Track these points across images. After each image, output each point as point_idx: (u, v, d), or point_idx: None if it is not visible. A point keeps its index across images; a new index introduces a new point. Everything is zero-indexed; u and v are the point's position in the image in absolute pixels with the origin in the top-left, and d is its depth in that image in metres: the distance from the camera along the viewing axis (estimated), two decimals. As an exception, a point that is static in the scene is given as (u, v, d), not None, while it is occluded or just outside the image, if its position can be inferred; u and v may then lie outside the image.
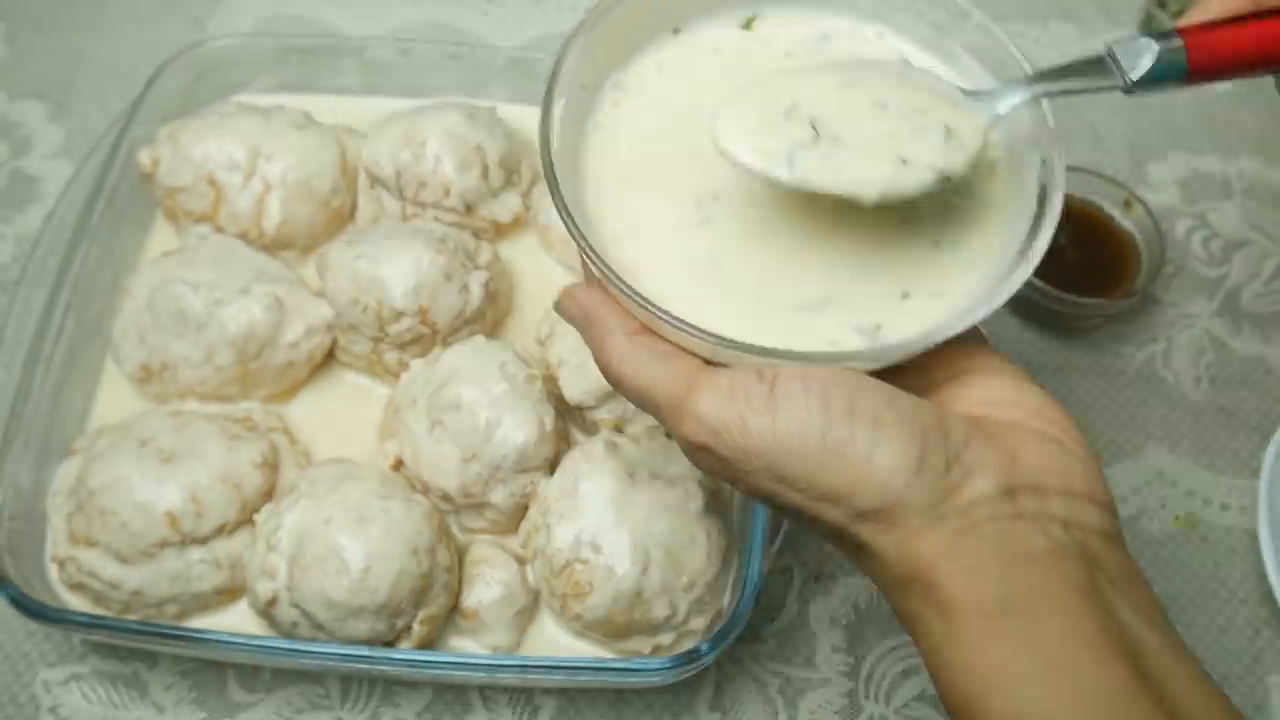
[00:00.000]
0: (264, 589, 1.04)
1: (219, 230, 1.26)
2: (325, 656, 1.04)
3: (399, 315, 1.17)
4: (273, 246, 1.27)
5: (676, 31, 0.85)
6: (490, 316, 1.23)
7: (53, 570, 1.12)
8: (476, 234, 1.28)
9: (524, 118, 1.37)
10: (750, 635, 1.19)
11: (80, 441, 1.16)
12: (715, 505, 1.08)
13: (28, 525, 1.12)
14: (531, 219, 1.31)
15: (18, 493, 1.11)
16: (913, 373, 0.75)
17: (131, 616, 1.09)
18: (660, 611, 1.05)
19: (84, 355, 1.22)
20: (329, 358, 1.23)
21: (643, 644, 1.07)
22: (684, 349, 0.73)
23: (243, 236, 1.26)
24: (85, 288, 1.21)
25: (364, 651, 1.03)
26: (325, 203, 1.28)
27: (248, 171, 1.26)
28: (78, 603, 1.11)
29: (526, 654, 1.10)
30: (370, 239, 1.19)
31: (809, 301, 0.76)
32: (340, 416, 1.23)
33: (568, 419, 1.18)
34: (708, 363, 0.73)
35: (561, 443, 1.14)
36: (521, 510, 1.12)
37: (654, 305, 0.71)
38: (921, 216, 0.79)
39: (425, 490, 1.12)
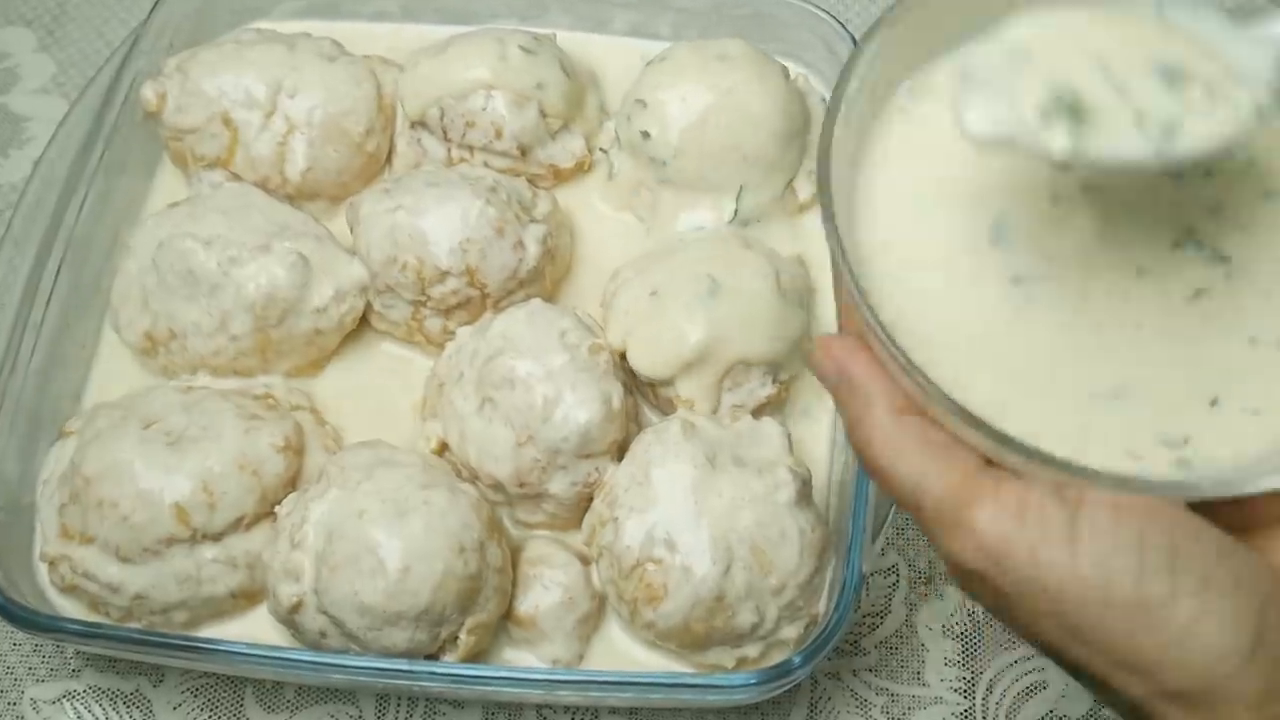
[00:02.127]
0: (287, 592, 1.03)
1: (235, 178, 1.24)
2: (358, 671, 1.03)
3: (443, 275, 1.14)
4: (297, 196, 1.25)
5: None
6: (549, 277, 1.20)
7: (42, 571, 1.11)
8: (533, 181, 1.25)
9: (588, 47, 1.34)
10: (850, 646, 1.18)
11: (74, 422, 1.15)
12: (808, 496, 1.06)
13: (14, 519, 1.11)
14: (597, 166, 1.29)
15: (2, 481, 1.11)
16: (1230, 504, 0.66)
17: (134, 624, 1.09)
18: (745, 619, 1.03)
19: (78, 322, 1.20)
20: (362, 325, 1.21)
21: (725, 656, 1.06)
22: (960, 439, 0.67)
23: (262, 185, 1.23)
24: (80, 244, 1.19)
25: (403, 665, 1.02)
26: (358, 146, 1.25)
27: (268, 109, 1.23)
28: (71, 608, 1.10)
29: (590, 668, 1.09)
30: (410, 187, 1.17)
31: (1101, 389, 0.70)
32: (375, 393, 1.21)
33: (638, 396, 1.17)
34: (987, 462, 0.67)
35: (631, 424, 1.12)
36: (585, 502, 1.11)
37: (933, 384, 0.65)
38: (1230, 303, 0.72)
39: (473, 478, 1.11)
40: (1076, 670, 0.66)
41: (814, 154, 1.10)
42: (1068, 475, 0.64)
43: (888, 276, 0.72)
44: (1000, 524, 0.64)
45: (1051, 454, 0.63)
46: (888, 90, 0.76)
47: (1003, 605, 0.66)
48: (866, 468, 0.70)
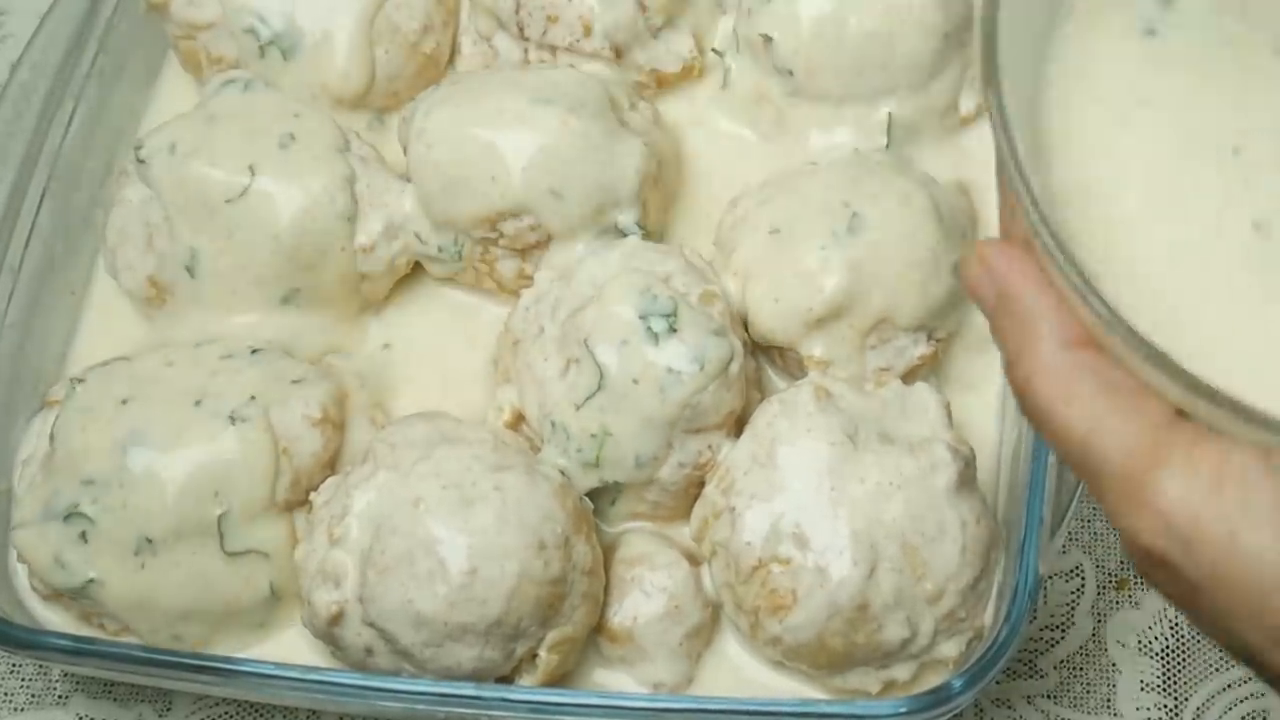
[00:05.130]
0: (325, 600, 1.00)
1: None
2: (413, 697, 1.00)
3: (520, 207, 1.12)
4: (339, 107, 1.22)
5: None
6: (650, 206, 1.16)
7: (22, 574, 1.09)
8: (630, 89, 1.22)
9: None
10: (1024, 667, 1.16)
11: (60, 389, 1.14)
12: (972, 480, 1.03)
13: (-14, 510, 1.12)
14: (709, 71, 1.27)
15: (-29, 464, 1.13)
16: None
17: (134, 639, 1.07)
18: (894, 633, 1.00)
19: (66, 265, 1.20)
20: (418, 268, 1.20)
21: (869, 679, 1.02)
22: (1148, 384, 0.64)
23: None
24: (68, 168, 1.19)
25: (469, 690, 0.99)
26: (413, 46, 1.24)
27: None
28: (57, 620, 1.09)
29: (701, 693, 1.07)
30: (478, 93, 1.16)
31: None
32: (434, 352, 1.19)
33: (760, 357, 1.15)
34: (1180, 414, 0.63)
35: (752, 391, 1.09)
36: (694, 487, 1.07)
37: (1110, 308, 0.61)
38: None
39: (555, 458, 1.11)
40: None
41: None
42: (1275, 435, 0.60)
43: (1077, 186, 0.68)
44: (1191, 497, 0.60)
45: (1263, 412, 0.59)
46: None
47: (1190, 599, 0.63)
48: (1026, 412, 0.67)
